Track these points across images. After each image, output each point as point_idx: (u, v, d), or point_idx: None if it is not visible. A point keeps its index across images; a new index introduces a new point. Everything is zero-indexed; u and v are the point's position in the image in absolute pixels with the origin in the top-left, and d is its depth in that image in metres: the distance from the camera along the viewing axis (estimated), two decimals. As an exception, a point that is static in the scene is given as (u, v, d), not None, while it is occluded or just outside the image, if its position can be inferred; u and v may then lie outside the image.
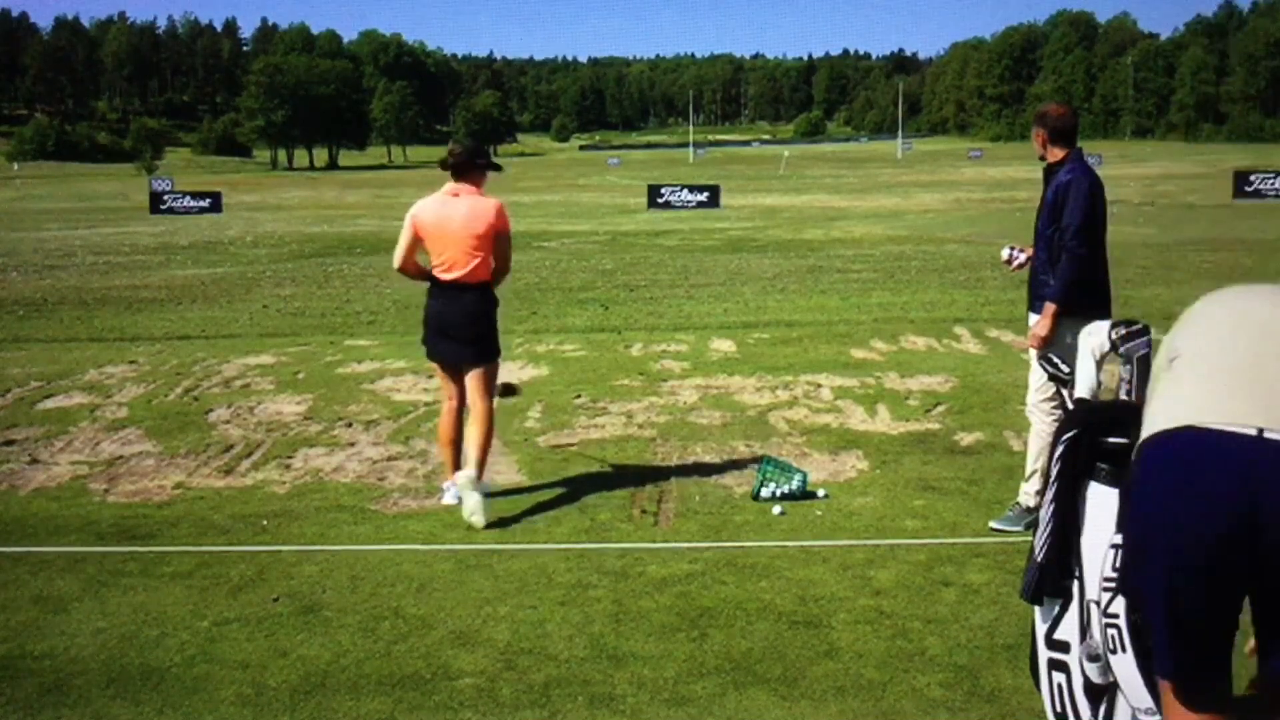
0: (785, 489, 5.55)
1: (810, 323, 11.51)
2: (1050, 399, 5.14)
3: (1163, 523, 2.23)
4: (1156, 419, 2.34)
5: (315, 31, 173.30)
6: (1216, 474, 2.17)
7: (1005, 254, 5.49)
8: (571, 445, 6.63)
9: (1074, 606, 2.87)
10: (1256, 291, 2.49)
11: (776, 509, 5.38)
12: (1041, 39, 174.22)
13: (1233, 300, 2.47)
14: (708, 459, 6.25)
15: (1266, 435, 2.15)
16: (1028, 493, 5.15)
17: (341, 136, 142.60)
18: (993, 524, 5.16)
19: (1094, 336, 3.03)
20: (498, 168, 5.90)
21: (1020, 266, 5.37)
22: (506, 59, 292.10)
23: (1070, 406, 3.09)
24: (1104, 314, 4.99)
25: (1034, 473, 5.15)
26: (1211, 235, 21.68)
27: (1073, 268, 4.96)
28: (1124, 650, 2.60)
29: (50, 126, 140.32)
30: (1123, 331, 3.06)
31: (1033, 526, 5.06)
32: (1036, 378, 5.19)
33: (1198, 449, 2.21)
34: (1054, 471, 2.86)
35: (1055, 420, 5.10)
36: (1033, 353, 5.15)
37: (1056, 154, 5.13)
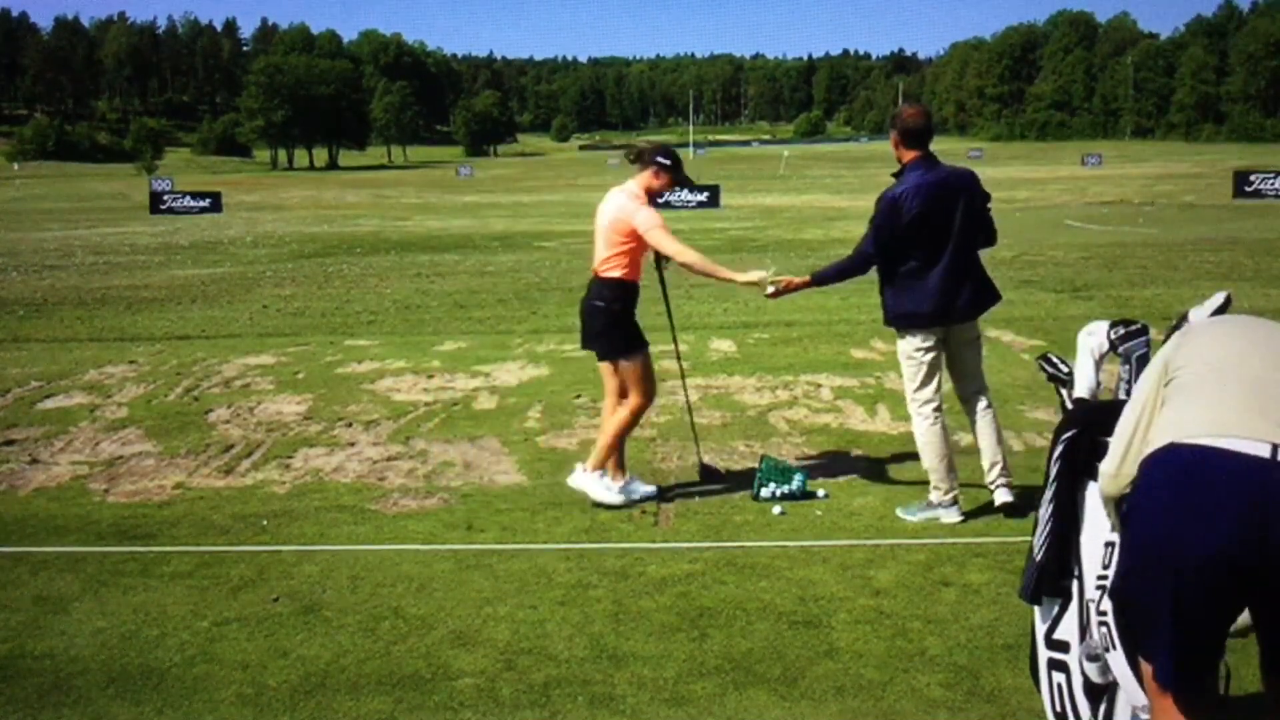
0: (785, 489, 5.55)
1: (810, 323, 11.51)
2: (914, 399, 5.24)
3: (1174, 541, 2.21)
4: (1163, 432, 2.32)
5: (315, 31, 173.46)
6: (1229, 493, 2.16)
7: None
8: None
9: (1074, 606, 2.87)
10: (1255, 319, 2.50)
11: (776, 509, 5.38)
12: (1041, 39, 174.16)
13: (1233, 325, 2.47)
14: (708, 459, 6.24)
15: None
16: (930, 489, 5.25)
17: (341, 136, 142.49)
18: (898, 510, 5.31)
19: (1093, 337, 3.02)
20: (668, 170, 5.57)
21: None
22: (506, 59, 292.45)
23: (1069, 406, 3.08)
24: (934, 321, 5.16)
25: (927, 471, 5.25)
26: (1211, 235, 21.68)
27: (848, 260, 5.29)
28: (1118, 648, 2.60)
29: (50, 126, 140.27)
30: (1121, 331, 3.06)
31: (935, 520, 5.15)
32: (905, 380, 5.31)
33: (1209, 467, 2.20)
34: (1053, 471, 2.86)
35: (928, 420, 5.17)
36: (901, 352, 5.24)
37: (906, 155, 5.19)
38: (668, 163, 5.55)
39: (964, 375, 5.34)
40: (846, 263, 5.33)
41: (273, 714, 3.49)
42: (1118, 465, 2.44)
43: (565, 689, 3.59)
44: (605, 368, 5.63)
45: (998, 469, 5.23)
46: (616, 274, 5.46)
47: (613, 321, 5.49)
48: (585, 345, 5.74)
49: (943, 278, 5.10)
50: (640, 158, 5.59)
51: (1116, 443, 2.46)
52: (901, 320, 5.20)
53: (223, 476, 6.18)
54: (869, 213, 5.37)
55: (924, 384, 5.21)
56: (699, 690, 3.57)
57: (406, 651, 3.90)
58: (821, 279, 5.47)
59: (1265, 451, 2.15)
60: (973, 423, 5.34)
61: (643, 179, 5.55)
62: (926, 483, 5.27)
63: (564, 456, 6.38)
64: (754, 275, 5.55)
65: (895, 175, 5.24)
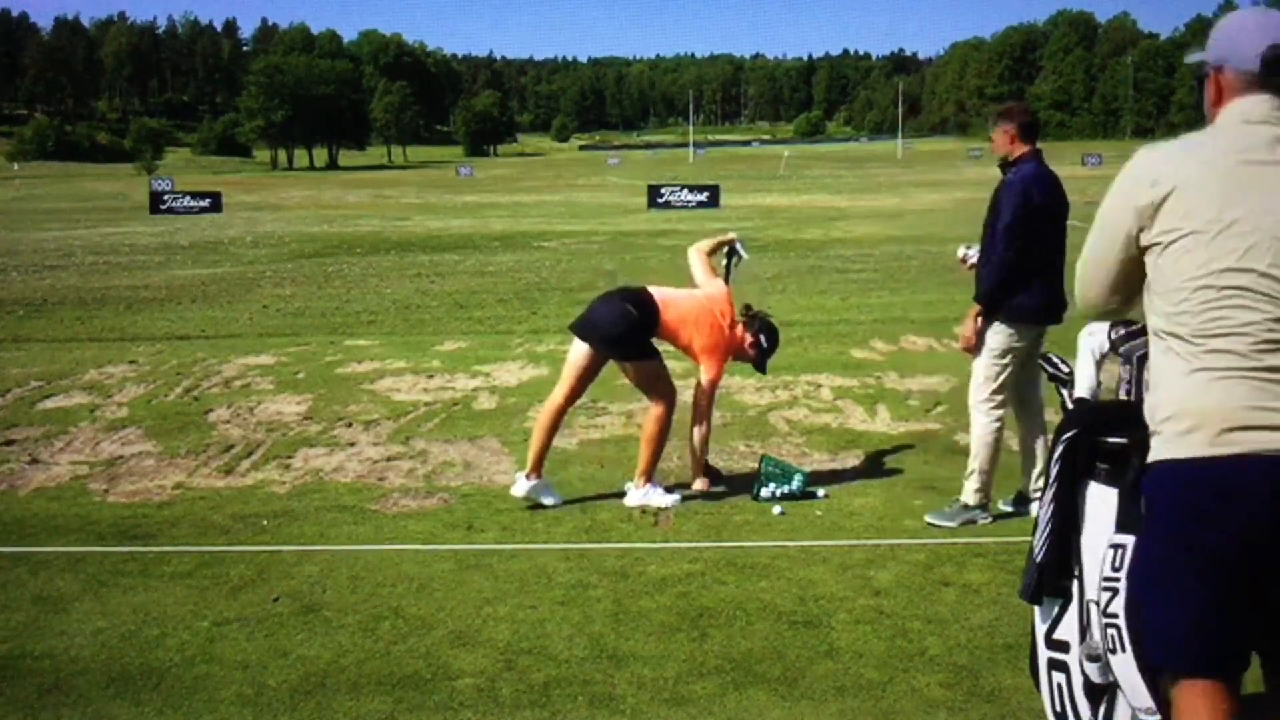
0: (785, 489, 5.56)
1: (810, 323, 11.52)
2: (989, 399, 5.16)
3: (1195, 533, 2.22)
4: (1163, 424, 2.30)
5: (315, 31, 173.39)
6: (1244, 495, 2.16)
7: (960, 252, 5.57)
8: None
9: (1074, 606, 2.87)
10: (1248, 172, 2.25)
11: (776, 509, 5.38)
12: (1041, 39, 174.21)
13: (1227, 199, 2.23)
14: (708, 459, 6.24)
15: None
16: (969, 490, 5.20)
17: (341, 136, 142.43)
18: (928, 517, 5.22)
19: (1094, 337, 3.03)
20: (759, 348, 5.93)
21: (973, 266, 5.38)
22: (506, 59, 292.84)
23: (1070, 406, 3.08)
24: (1043, 317, 5.05)
25: (973, 472, 5.19)
26: (1211, 235, 21.64)
27: (994, 269, 5.01)
28: (1124, 650, 2.59)
29: (50, 126, 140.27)
30: (1122, 332, 3.06)
31: (971, 523, 5.12)
32: (979, 374, 5.21)
33: (1219, 480, 2.19)
34: (1053, 471, 2.86)
35: (995, 421, 5.14)
36: (988, 345, 5.17)
37: (1019, 150, 5.13)
38: (765, 345, 5.84)
39: (1031, 379, 5.24)
40: (989, 277, 5.03)
41: (273, 714, 3.49)
42: (1080, 292, 2.46)
43: (565, 689, 3.60)
44: (578, 359, 5.59)
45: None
46: (669, 327, 5.61)
47: (636, 332, 5.53)
48: (591, 341, 5.57)
49: (1054, 274, 5.05)
50: (750, 320, 5.86)
51: (1082, 268, 2.46)
52: (1015, 311, 5.00)
53: (223, 476, 6.18)
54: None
55: (1000, 382, 5.10)
56: (699, 690, 3.57)
57: (406, 651, 3.90)
58: (983, 302, 5.07)
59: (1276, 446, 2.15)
60: (1029, 427, 5.29)
61: (744, 332, 5.80)
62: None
63: (564, 456, 6.38)
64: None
65: (1004, 168, 5.16)
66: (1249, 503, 2.16)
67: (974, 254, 5.37)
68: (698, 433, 5.71)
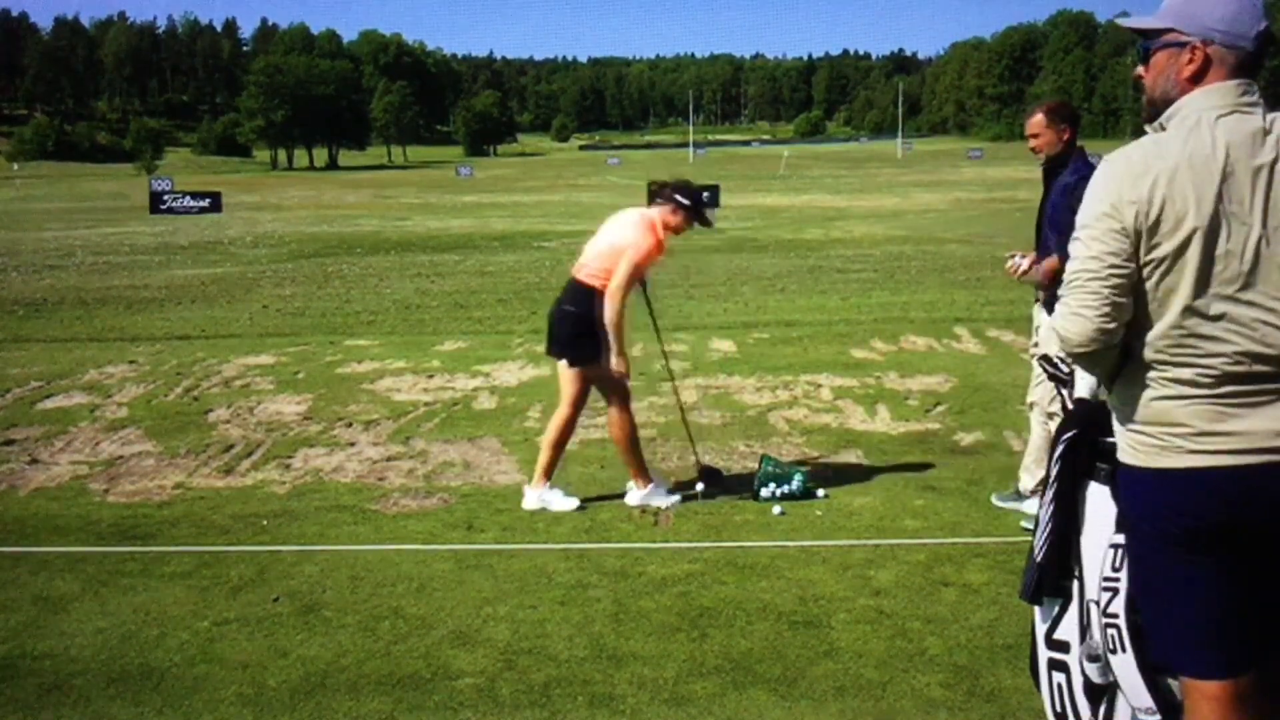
0: (785, 489, 5.55)
1: (810, 323, 11.51)
2: (1055, 401, 5.14)
3: (1170, 523, 2.24)
4: (1132, 442, 2.30)
5: (315, 31, 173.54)
6: (1214, 493, 2.20)
7: (1011, 262, 5.36)
8: None
9: (1074, 606, 2.87)
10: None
11: (776, 509, 5.38)
12: (1041, 39, 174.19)
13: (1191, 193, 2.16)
14: (708, 459, 6.25)
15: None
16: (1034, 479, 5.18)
17: (341, 136, 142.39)
18: (996, 499, 5.30)
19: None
20: (685, 209, 5.55)
21: (1026, 274, 5.25)
22: (506, 59, 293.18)
23: (1070, 407, 3.08)
24: None
25: (1040, 468, 5.17)
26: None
27: None
28: (1124, 650, 2.60)
29: (50, 126, 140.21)
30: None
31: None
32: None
33: (1194, 485, 2.21)
34: (1054, 472, 2.86)
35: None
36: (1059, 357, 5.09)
37: (1072, 149, 4.94)
38: (686, 202, 5.55)
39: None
40: None
41: (273, 714, 3.49)
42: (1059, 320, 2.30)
43: (565, 689, 3.60)
44: (567, 375, 5.55)
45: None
46: (596, 284, 5.40)
47: (582, 329, 5.41)
48: (551, 351, 5.69)
49: None
50: (660, 194, 5.60)
51: (1068, 305, 2.27)
52: None
53: (223, 476, 6.18)
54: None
55: None
56: (699, 690, 3.57)
57: (406, 651, 3.90)
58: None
59: (1251, 460, 2.17)
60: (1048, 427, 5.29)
61: (662, 213, 5.53)
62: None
63: (564, 456, 6.37)
64: (619, 366, 5.41)
65: (1055, 167, 4.96)
66: (1211, 509, 2.20)
67: (1024, 261, 5.21)
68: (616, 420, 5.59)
